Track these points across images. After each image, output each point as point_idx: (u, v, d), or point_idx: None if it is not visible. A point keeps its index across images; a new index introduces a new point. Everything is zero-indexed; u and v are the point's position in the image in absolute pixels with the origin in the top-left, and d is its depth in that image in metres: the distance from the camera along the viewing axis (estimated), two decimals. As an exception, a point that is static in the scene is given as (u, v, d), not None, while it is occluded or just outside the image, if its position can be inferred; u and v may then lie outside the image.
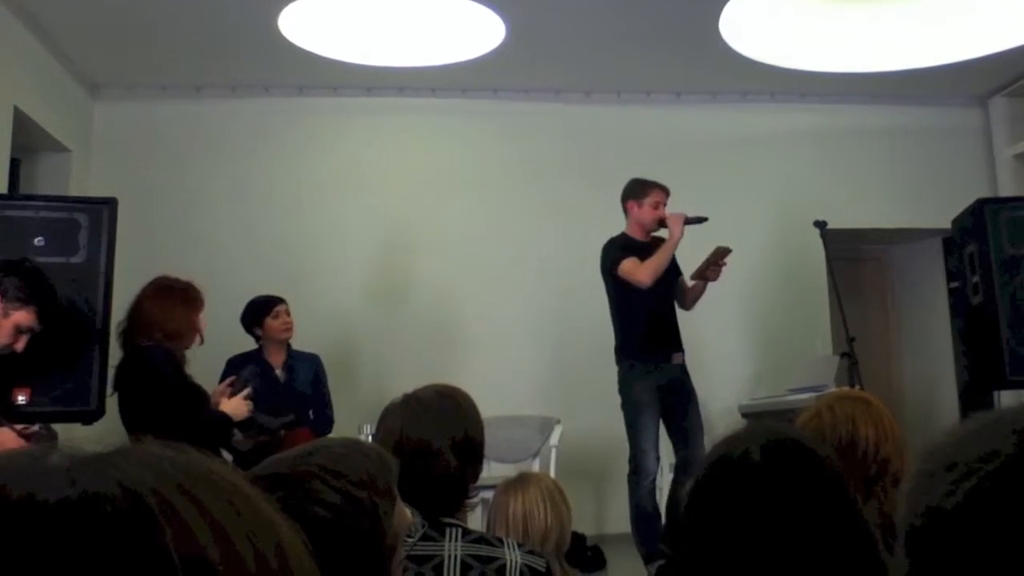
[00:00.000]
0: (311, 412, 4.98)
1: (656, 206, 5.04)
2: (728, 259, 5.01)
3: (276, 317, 5.02)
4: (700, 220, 4.98)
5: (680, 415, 4.91)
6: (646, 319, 4.96)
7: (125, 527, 0.46)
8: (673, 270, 5.10)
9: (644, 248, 4.99)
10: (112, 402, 4.04)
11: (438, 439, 1.99)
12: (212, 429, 3.98)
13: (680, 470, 4.84)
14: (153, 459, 0.51)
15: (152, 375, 3.92)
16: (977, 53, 6.20)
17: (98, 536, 0.46)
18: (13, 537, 0.45)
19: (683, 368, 5.02)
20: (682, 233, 4.93)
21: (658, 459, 4.84)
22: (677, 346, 5.01)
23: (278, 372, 4.98)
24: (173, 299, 4.02)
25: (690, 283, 5.17)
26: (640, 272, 4.89)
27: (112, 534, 0.46)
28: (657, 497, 4.95)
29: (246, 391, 4.11)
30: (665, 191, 5.10)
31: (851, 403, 2.27)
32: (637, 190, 5.12)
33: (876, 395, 2.47)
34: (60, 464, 0.49)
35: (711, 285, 5.13)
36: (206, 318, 4.18)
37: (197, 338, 4.08)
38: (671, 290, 5.10)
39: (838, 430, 2.16)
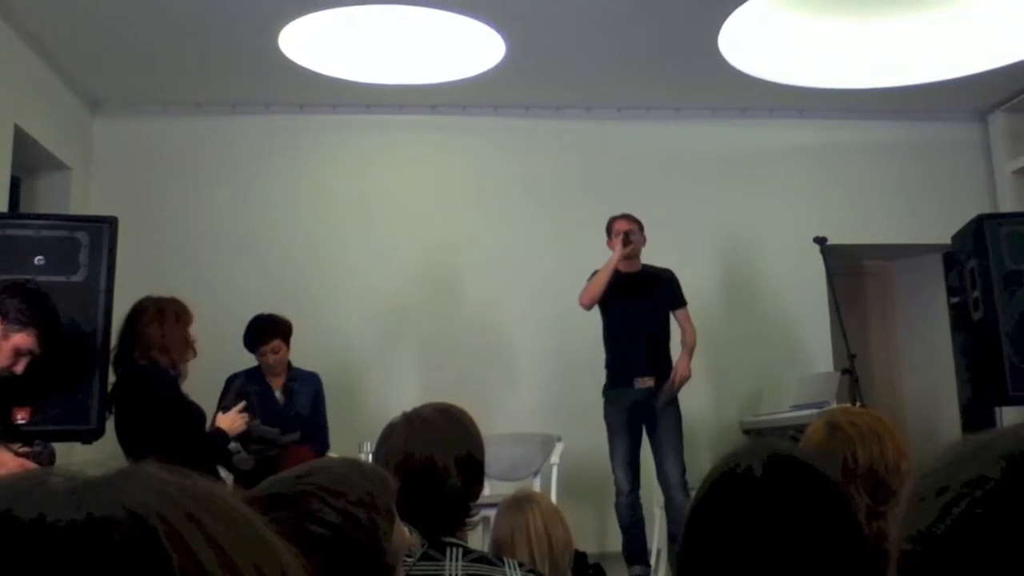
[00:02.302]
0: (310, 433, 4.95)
1: (619, 234, 5.25)
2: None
3: (263, 355, 4.94)
4: (628, 235, 5.20)
5: (651, 432, 5.18)
6: (611, 344, 5.30)
7: (132, 552, 0.46)
8: (658, 299, 5.29)
9: (620, 278, 5.20)
10: (110, 421, 4.04)
11: (443, 457, 1.98)
12: (209, 446, 3.98)
13: (661, 487, 5.17)
14: (158, 483, 0.51)
15: (149, 394, 3.92)
16: (976, 68, 6.22)
17: (106, 561, 0.46)
18: (23, 560, 0.45)
19: (652, 391, 5.16)
20: (621, 253, 5.16)
21: (631, 477, 5.10)
22: (645, 371, 5.18)
23: (277, 394, 4.94)
24: (163, 316, 4.03)
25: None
26: (581, 296, 5.25)
27: (119, 559, 0.46)
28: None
29: (240, 404, 4.12)
30: (625, 217, 5.33)
31: (870, 417, 2.25)
32: (607, 229, 5.37)
33: (878, 411, 2.46)
34: (65, 487, 0.49)
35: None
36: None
37: (191, 352, 4.10)
38: (646, 317, 5.25)
39: (868, 445, 2.14)
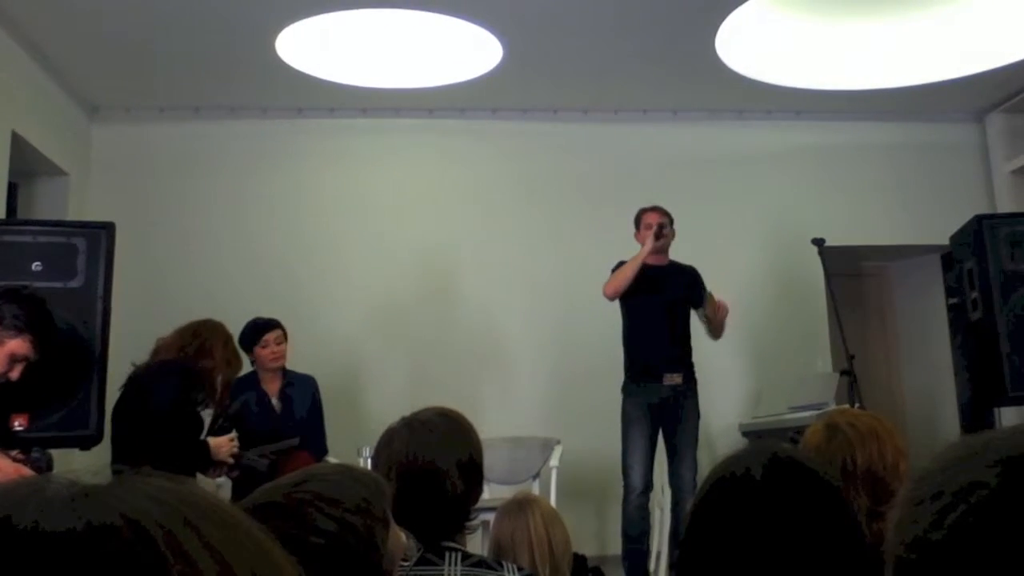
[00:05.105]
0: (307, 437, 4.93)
1: (649, 227, 5.11)
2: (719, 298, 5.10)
3: (264, 347, 4.87)
4: (661, 228, 5.08)
5: (669, 434, 5.00)
6: (637, 338, 5.09)
7: (131, 560, 0.46)
8: (685, 295, 5.14)
9: (647, 271, 5.03)
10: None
11: (445, 461, 1.99)
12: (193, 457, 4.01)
13: (672, 489, 4.98)
14: (156, 491, 0.51)
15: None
16: (974, 69, 6.22)
17: (104, 568, 0.46)
18: (20, 568, 0.45)
19: (679, 388, 5.00)
20: (651, 247, 5.02)
21: (646, 476, 4.89)
22: (672, 367, 5.01)
23: (274, 401, 4.89)
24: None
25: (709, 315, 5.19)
26: (605, 287, 5.06)
27: (118, 566, 0.46)
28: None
29: (233, 434, 4.18)
30: (656, 210, 5.19)
31: (869, 418, 2.25)
32: (635, 221, 5.24)
33: (877, 412, 2.46)
34: (62, 494, 0.49)
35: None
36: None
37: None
38: (673, 312, 5.10)
39: (867, 446, 2.14)
